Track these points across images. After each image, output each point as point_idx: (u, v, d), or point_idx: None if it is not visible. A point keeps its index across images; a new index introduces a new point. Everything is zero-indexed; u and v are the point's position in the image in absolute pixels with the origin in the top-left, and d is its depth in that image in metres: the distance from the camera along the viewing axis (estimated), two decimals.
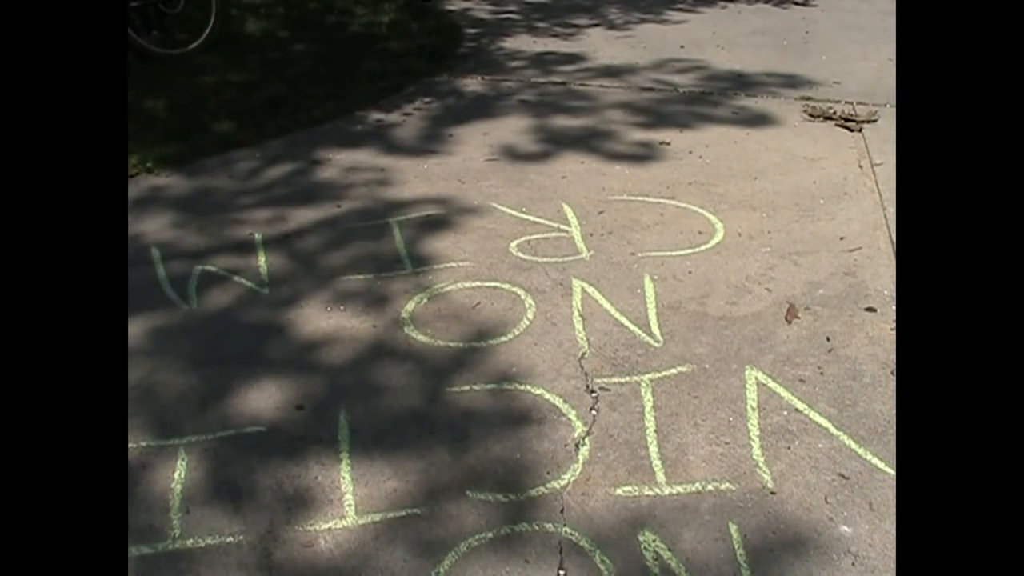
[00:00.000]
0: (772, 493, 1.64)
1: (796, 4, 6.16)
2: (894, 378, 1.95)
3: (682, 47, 4.92)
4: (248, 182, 3.08)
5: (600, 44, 5.03)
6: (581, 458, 1.73)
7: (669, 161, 3.23)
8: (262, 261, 2.51)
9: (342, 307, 2.26)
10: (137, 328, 2.15)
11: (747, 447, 1.76)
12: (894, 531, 1.53)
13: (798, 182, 3.03)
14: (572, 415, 1.85)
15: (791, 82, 4.23)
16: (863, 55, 4.73)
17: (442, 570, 1.48)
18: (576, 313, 2.23)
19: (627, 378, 1.97)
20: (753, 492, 1.64)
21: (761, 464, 1.71)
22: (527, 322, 2.18)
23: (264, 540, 1.54)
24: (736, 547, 1.52)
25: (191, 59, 4.47)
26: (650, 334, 2.14)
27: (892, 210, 2.75)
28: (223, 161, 3.26)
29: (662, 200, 2.89)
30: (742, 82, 4.25)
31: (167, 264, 2.49)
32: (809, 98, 3.95)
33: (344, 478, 1.68)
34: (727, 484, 1.66)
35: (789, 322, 2.19)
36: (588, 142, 3.42)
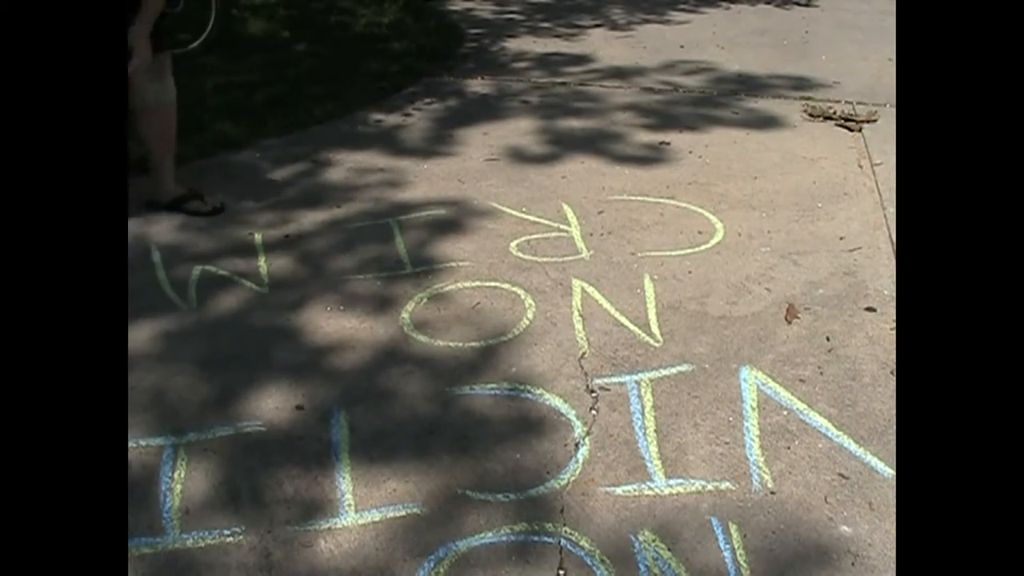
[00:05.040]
0: (772, 493, 1.64)
1: (797, 4, 6.16)
2: (894, 378, 1.95)
3: (682, 47, 4.92)
4: (248, 182, 3.08)
5: (601, 44, 5.03)
6: (581, 458, 1.73)
7: (669, 161, 3.23)
8: (262, 262, 2.52)
9: (342, 307, 2.26)
10: (137, 329, 2.15)
11: (747, 447, 1.76)
12: (894, 531, 1.53)
13: (798, 182, 3.03)
14: (572, 415, 1.85)
15: (791, 82, 4.23)
16: (863, 55, 4.74)
17: (441, 570, 1.48)
18: (576, 313, 2.23)
19: (627, 378, 1.97)
20: (753, 492, 1.64)
21: (761, 464, 1.71)
22: (527, 322, 2.19)
23: (264, 540, 1.54)
24: (736, 547, 1.52)
25: (191, 59, 4.47)
26: (650, 334, 2.14)
27: (892, 210, 2.75)
28: (224, 161, 3.26)
29: (662, 200, 2.89)
30: (742, 82, 4.25)
31: (167, 265, 2.49)
32: (809, 98, 3.95)
33: (344, 478, 1.68)
34: (727, 484, 1.66)
35: (789, 322, 2.19)
36: (588, 142, 3.42)
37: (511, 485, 1.66)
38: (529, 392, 1.92)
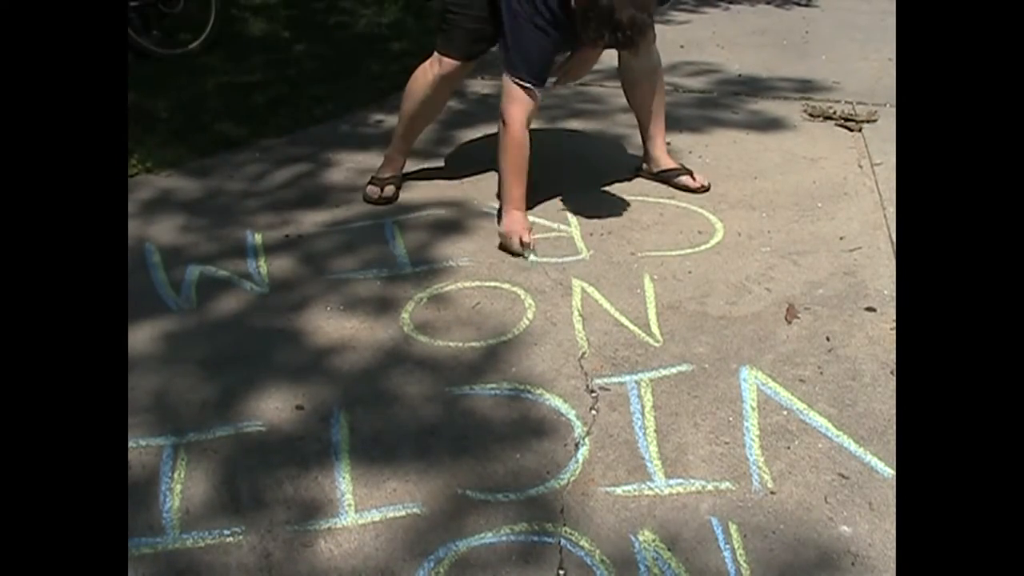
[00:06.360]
0: (772, 493, 1.64)
1: (797, 4, 6.15)
2: (894, 378, 1.95)
3: (682, 47, 4.92)
4: (248, 183, 3.08)
5: None
6: (581, 458, 1.73)
7: None
8: (262, 262, 2.51)
9: (342, 308, 2.27)
10: (137, 329, 2.15)
11: (747, 447, 1.76)
12: (894, 531, 1.53)
13: (798, 182, 3.02)
14: (572, 415, 1.85)
15: (791, 82, 4.22)
16: (863, 55, 4.73)
17: (441, 570, 1.48)
18: (576, 313, 2.23)
19: (627, 378, 1.97)
20: (753, 492, 1.64)
21: (761, 464, 1.71)
22: (527, 322, 2.19)
23: (264, 540, 1.54)
24: (736, 547, 1.52)
25: (191, 59, 4.47)
26: (650, 334, 2.14)
27: (892, 210, 2.75)
28: (223, 162, 3.26)
29: (662, 200, 2.89)
30: (741, 82, 4.25)
31: (167, 265, 2.49)
32: (809, 98, 3.94)
33: (344, 478, 1.69)
34: (727, 484, 1.66)
35: (789, 322, 2.19)
36: (588, 142, 3.42)
37: (511, 485, 1.66)
38: (529, 392, 1.92)
